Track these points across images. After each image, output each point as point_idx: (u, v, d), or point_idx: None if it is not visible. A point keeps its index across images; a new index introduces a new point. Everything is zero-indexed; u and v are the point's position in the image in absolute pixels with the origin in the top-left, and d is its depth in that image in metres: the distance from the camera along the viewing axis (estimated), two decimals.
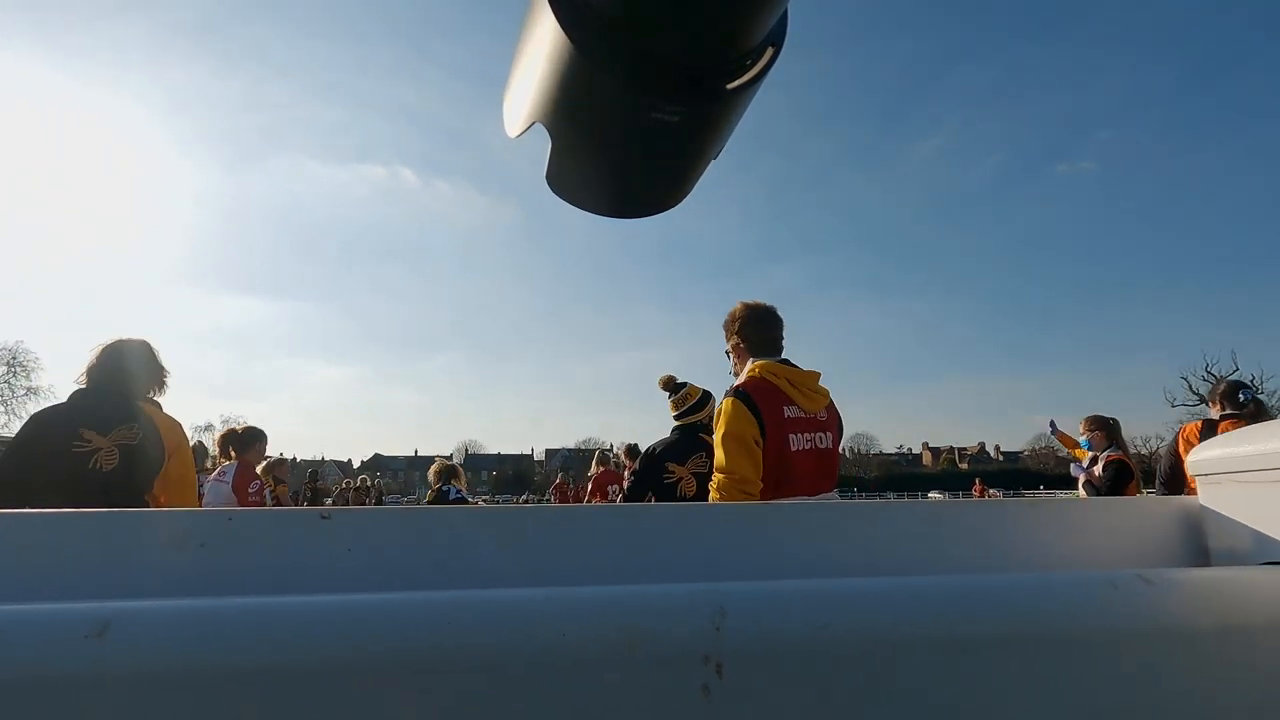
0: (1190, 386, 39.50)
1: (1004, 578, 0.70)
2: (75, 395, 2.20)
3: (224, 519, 0.75)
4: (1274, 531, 0.78)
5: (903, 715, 0.61)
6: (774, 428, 2.04)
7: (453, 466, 5.91)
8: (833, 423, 2.24)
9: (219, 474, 4.57)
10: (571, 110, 0.45)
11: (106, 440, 2.05)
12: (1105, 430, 4.68)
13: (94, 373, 2.22)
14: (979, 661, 0.64)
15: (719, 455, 2.05)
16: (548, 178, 0.51)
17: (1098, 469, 4.62)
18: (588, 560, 0.74)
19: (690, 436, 3.43)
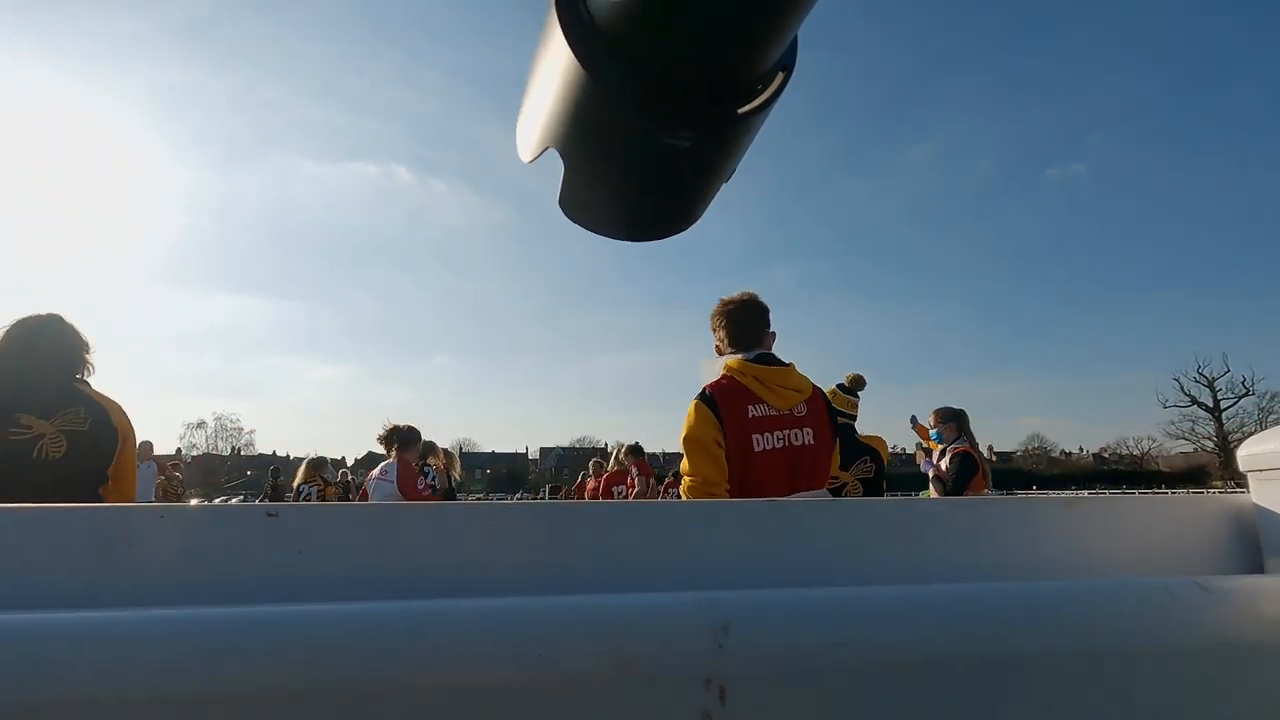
0: (1182, 388, 39.61)
1: (1046, 585, 0.61)
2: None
3: (155, 515, 0.65)
4: None
5: None
6: (735, 430, 2.02)
7: (430, 443, 5.29)
8: (815, 419, 2.14)
9: (381, 472, 4.25)
10: (584, 135, 0.45)
11: (50, 426, 1.84)
12: (956, 422, 4.51)
13: (16, 350, 1.91)
14: (1022, 680, 0.55)
15: (685, 459, 2.05)
16: (560, 201, 0.51)
17: (944, 462, 4.43)
18: (572, 564, 0.65)
19: (853, 440, 3.42)
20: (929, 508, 0.72)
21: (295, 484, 6.64)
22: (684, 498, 2.00)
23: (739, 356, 2.17)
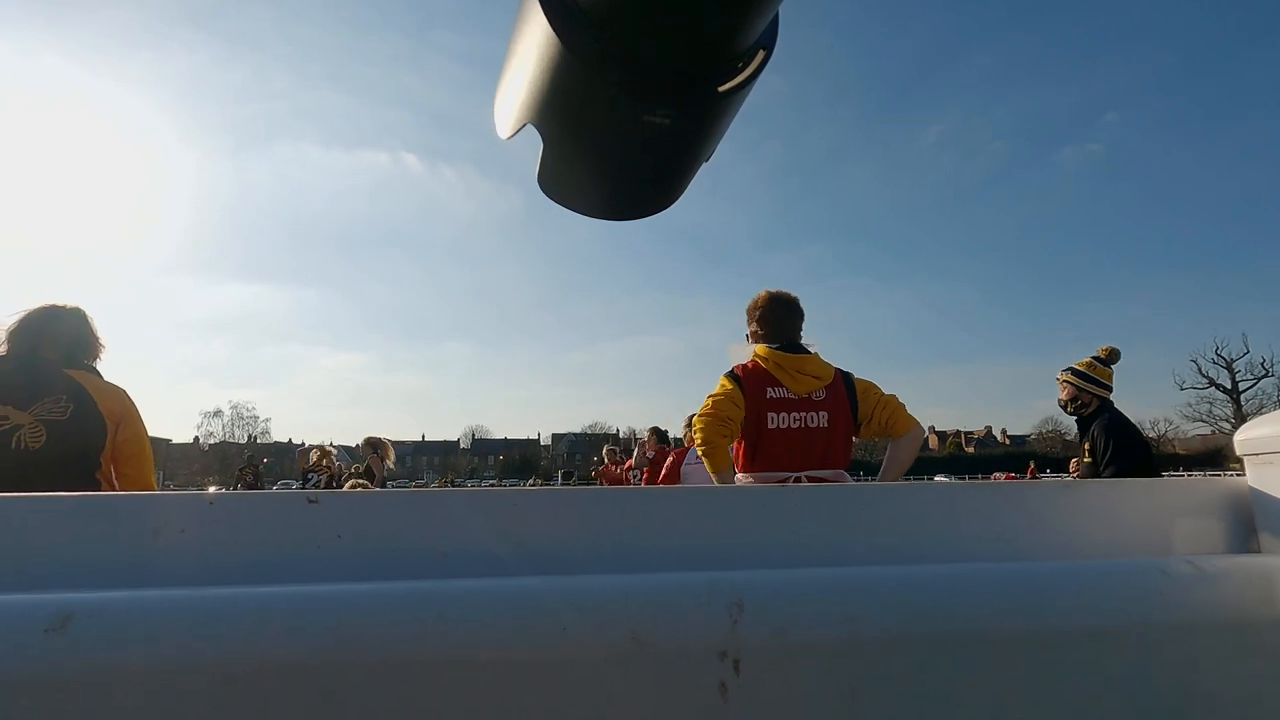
0: (1200, 369, 39.10)
1: (1045, 565, 0.64)
2: None
3: (205, 503, 0.70)
4: None
5: (935, 716, 0.56)
6: (754, 407, 2.24)
7: (379, 440, 6.16)
8: (834, 404, 2.29)
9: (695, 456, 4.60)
10: (563, 112, 0.45)
11: (27, 415, 1.81)
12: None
13: (14, 341, 1.92)
14: (1022, 657, 0.59)
15: (707, 402, 2.27)
16: (539, 179, 0.51)
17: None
18: (593, 546, 0.69)
19: (1116, 417, 3.38)
20: (933, 491, 0.75)
21: (305, 467, 6.84)
22: (697, 424, 2.21)
23: (768, 344, 2.36)
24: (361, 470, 6.30)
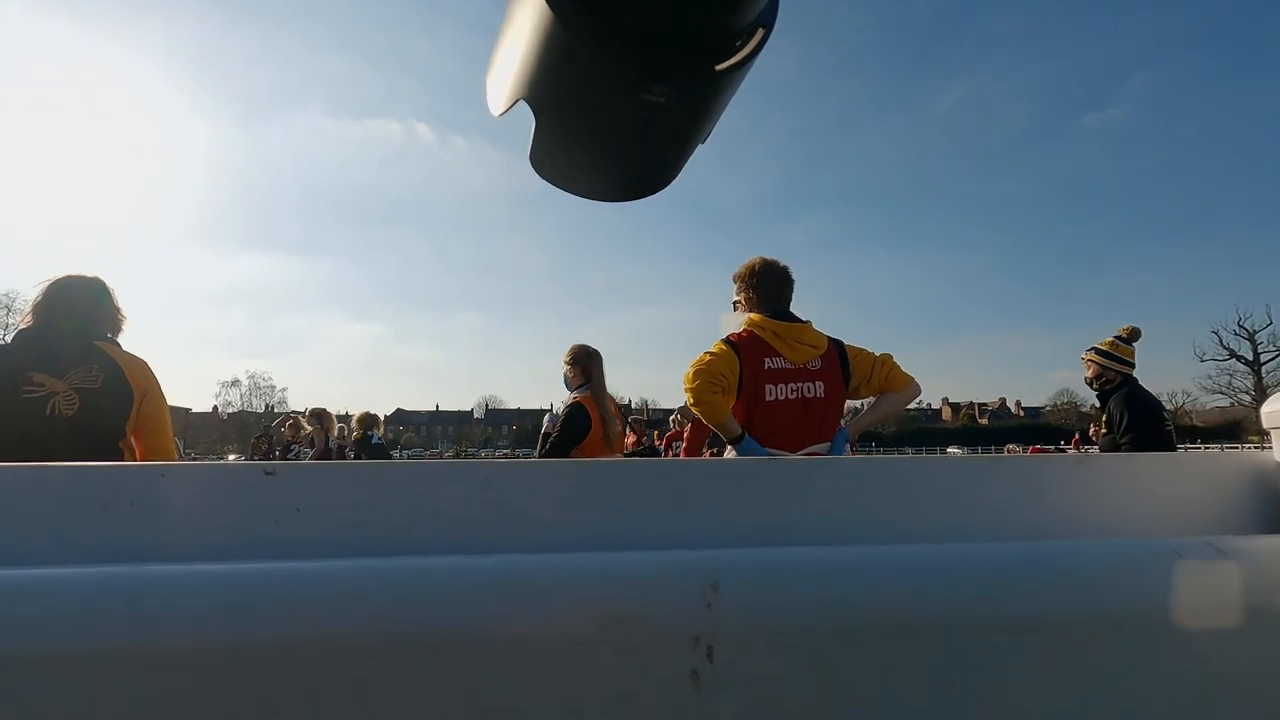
0: (1221, 340, 38.37)
1: (1046, 545, 0.59)
2: (19, 336, 1.95)
3: (157, 473, 0.66)
4: None
5: (931, 709, 0.52)
6: (751, 377, 2.16)
7: (373, 415, 6.20)
8: (829, 374, 2.24)
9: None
10: (556, 88, 0.44)
11: (62, 384, 1.86)
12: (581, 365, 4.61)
13: (41, 311, 1.96)
14: (1019, 642, 0.54)
15: (702, 357, 2.19)
16: (531, 157, 0.49)
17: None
18: (566, 521, 0.65)
19: (1138, 391, 3.49)
20: (931, 465, 0.70)
21: (359, 433, 6.85)
22: (689, 379, 2.12)
23: (761, 313, 2.29)
24: (305, 443, 6.42)
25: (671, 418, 8.19)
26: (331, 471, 0.68)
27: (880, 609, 0.53)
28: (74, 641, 0.50)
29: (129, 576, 0.55)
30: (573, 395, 3.36)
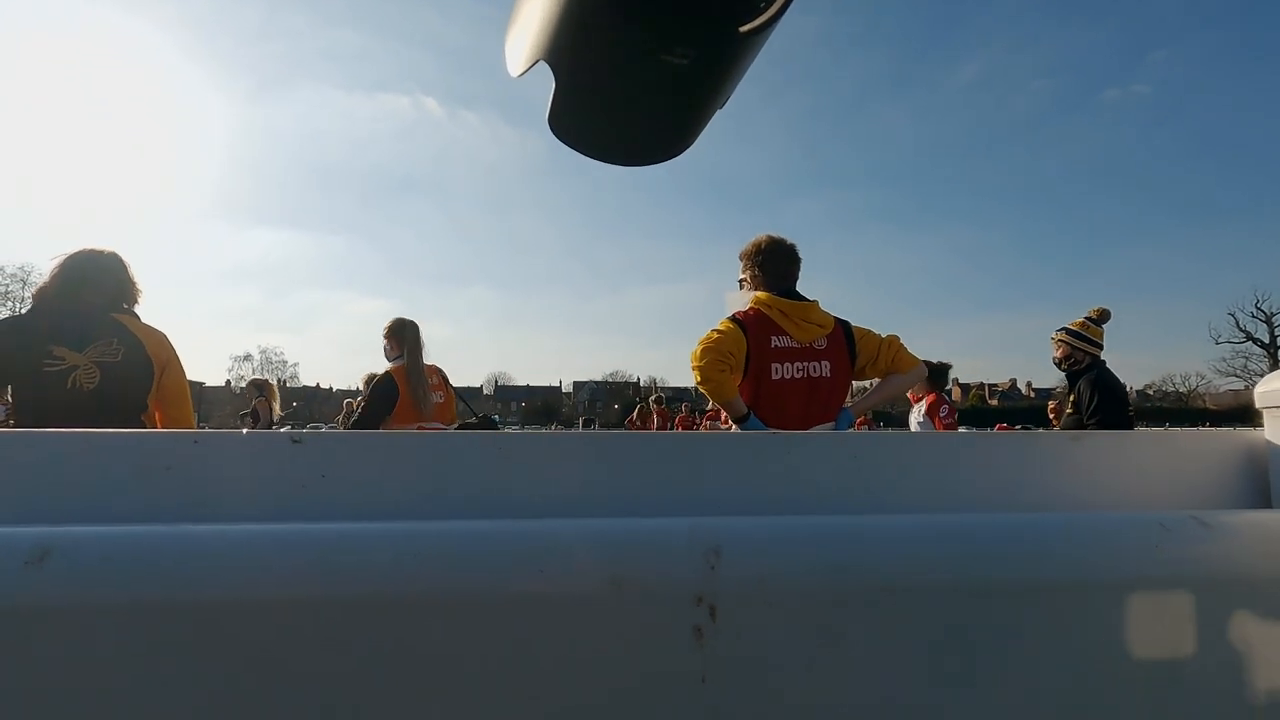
0: (1238, 323, 37.86)
1: (1037, 517, 0.62)
2: (37, 307, 1.96)
3: (190, 441, 0.70)
4: None
5: (918, 668, 0.55)
6: (757, 356, 2.15)
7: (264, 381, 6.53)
8: (835, 353, 2.23)
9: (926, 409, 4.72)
10: (577, 49, 0.43)
11: (83, 357, 1.88)
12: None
13: (59, 284, 1.98)
14: (1009, 609, 0.57)
15: (710, 335, 2.18)
16: (550, 119, 0.49)
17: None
18: (577, 491, 0.68)
19: (1107, 376, 3.60)
20: (929, 441, 0.73)
21: (355, 403, 7.10)
22: (697, 350, 2.13)
23: (767, 291, 2.27)
24: (247, 414, 6.56)
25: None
26: (356, 440, 0.72)
27: (869, 573, 0.56)
28: (118, 593, 0.54)
29: (166, 535, 0.58)
30: (388, 366, 3.43)
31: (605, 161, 0.53)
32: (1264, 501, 0.77)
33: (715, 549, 0.56)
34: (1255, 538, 0.64)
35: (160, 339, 2.07)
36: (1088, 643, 0.58)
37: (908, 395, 4.89)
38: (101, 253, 2.11)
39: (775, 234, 2.37)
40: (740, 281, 2.40)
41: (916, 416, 4.77)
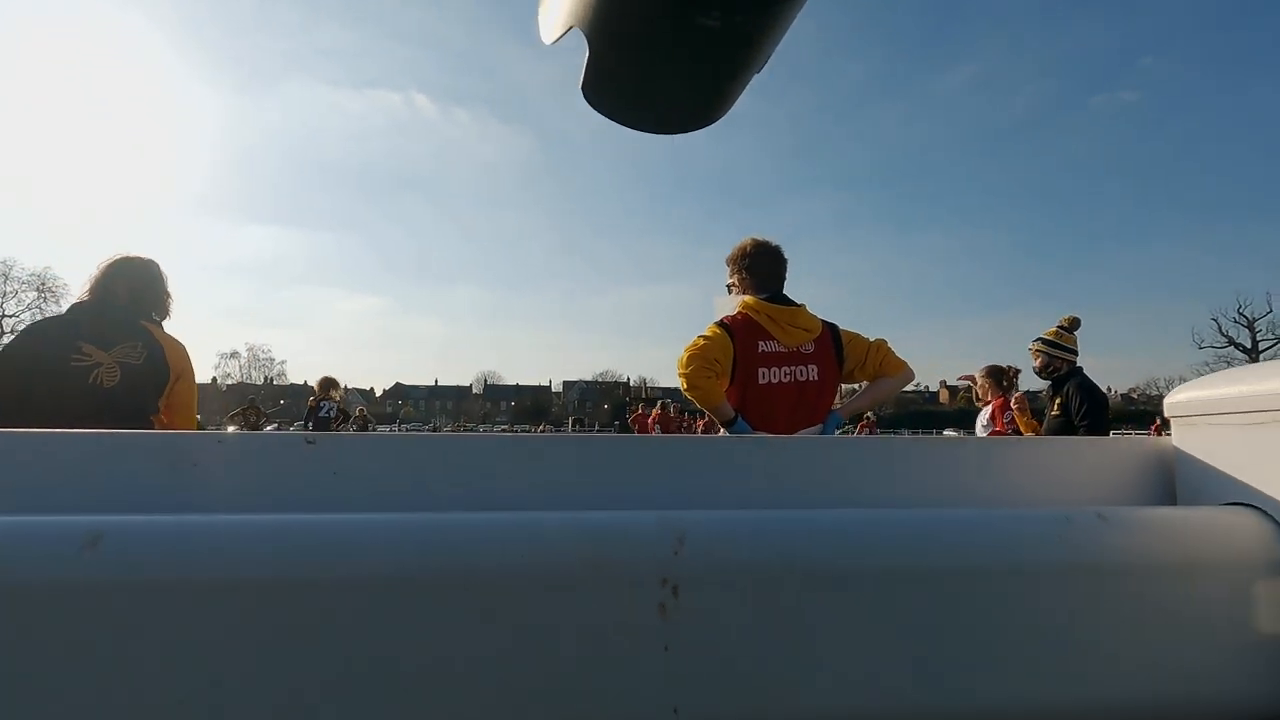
0: (1220, 328, 38.48)
1: (956, 512, 0.72)
2: (74, 309, 2.11)
3: (214, 441, 0.78)
4: (1240, 473, 0.78)
5: (852, 641, 0.65)
6: (745, 360, 2.18)
7: (331, 379, 6.77)
8: (822, 357, 2.28)
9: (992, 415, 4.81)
10: (610, 14, 0.42)
11: (108, 356, 2.00)
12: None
13: (98, 287, 2.14)
14: (926, 591, 0.67)
15: (696, 341, 2.21)
16: (583, 87, 0.48)
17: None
18: (558, 487, 0.77)
19: (1086, 381, 3.81)
20: (871, 444, 0.82)
21: (313, 401, 7.23)
22: (682, 358, 2.17)
23: (755, 296, 2.30)
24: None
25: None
26: (364, 442, 0.80)
27: (814, 560, 0.66)
28: (160, 574, 0.62)
29: (199, 523, 0.67)
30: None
31: (638, 129, 0.53)
32: (1170, 500, 0.87)
33: (680, 537, 0.65)
34: (1149, 531, 0.74)
35: (180, 350, 2.19)
36: (997, 621, 0.68)
37: (974, 399, 5.06)
38: (141, 259, 2.26)
39: (761, 237, 2.40)
40: (728, 286, 2.43)
41: (983, 419, 4.92)
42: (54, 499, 0.71)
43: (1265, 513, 0.75)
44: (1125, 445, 0.88)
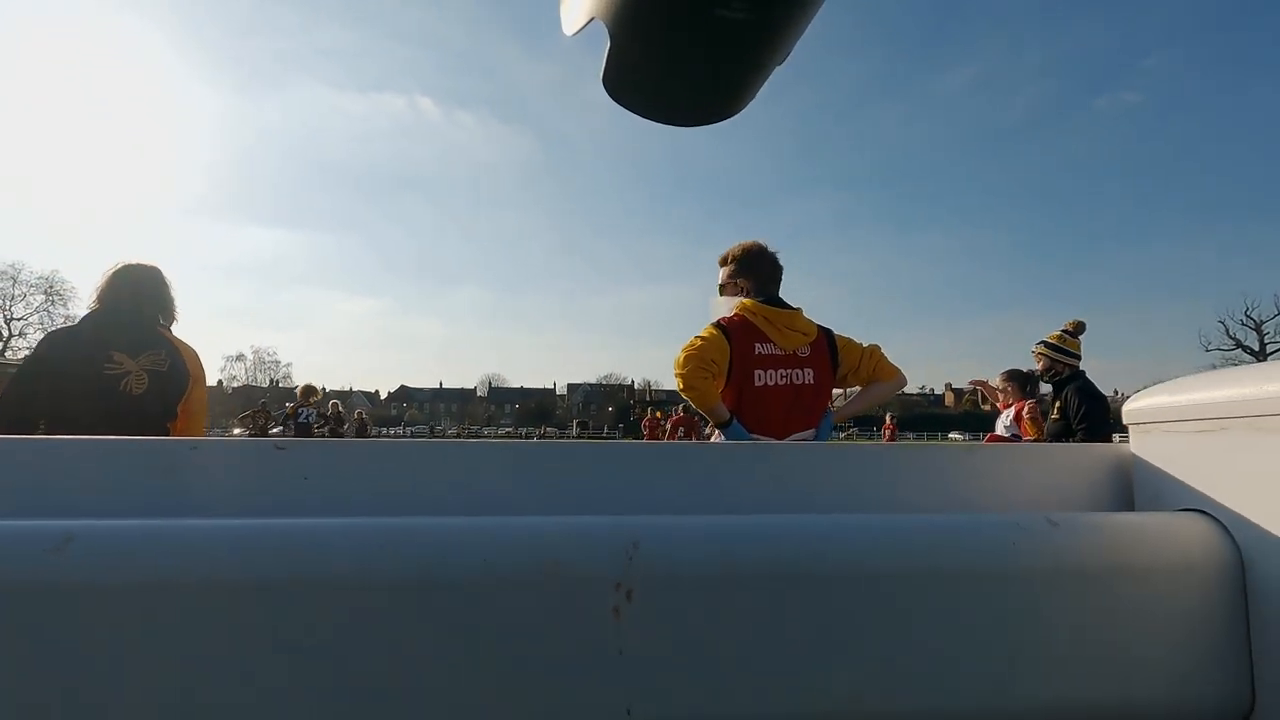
0: (1227, 330, 38.25)
1: (905, 518, 0.73)
2: (95, 316, 2.14)
3: (188, 447, 0.80)
4: (1195, 480, 0.80)
5: (796, 640, 0.66)
6: (740, 362, 2.19)
7: (310, 386, 7.07)
8: (818, 361, 2.30)
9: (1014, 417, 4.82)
10: (632, 4, 0.42)
11: (136, 364, 2.07)
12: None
13: (110, 295, 2.17)
14: (874, 595, 0.68)
15: (693, 341, 2.23)
16: (604, 79, 0.48)
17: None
18: (519, 492, 0.79)
19: (1089, 387, 3.83)
20: (830, 450, 0.84)
21: (293, 408, 7.45)
22: (679, 358, 2.18)
23: (752, 298, 2.32)
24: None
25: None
26: (333, 448, 0.82)
27: (763, 564, 0.67)
28: (129, 576, 0.64)
29: (168, 527, 0.69)
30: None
31: (658, 121, 0.53)
32: (1128, 505, 0.88)
33: (634, 543, 0.67)
34: (1097, 536, 0.75)
35: (195, 356, 2.26)
36: (945, 625, 0.69)
37: (996, 403, 5.06)
38: (145, 266, 2.30)
39: (759, 240, 2.43)
40: (721, 287, 2.46)
41: (1004, 421, 4.92)
42: (26, 503, 0.73)
43: (1216, 519, 0.76)
44: (1085, 451, 0.89)
